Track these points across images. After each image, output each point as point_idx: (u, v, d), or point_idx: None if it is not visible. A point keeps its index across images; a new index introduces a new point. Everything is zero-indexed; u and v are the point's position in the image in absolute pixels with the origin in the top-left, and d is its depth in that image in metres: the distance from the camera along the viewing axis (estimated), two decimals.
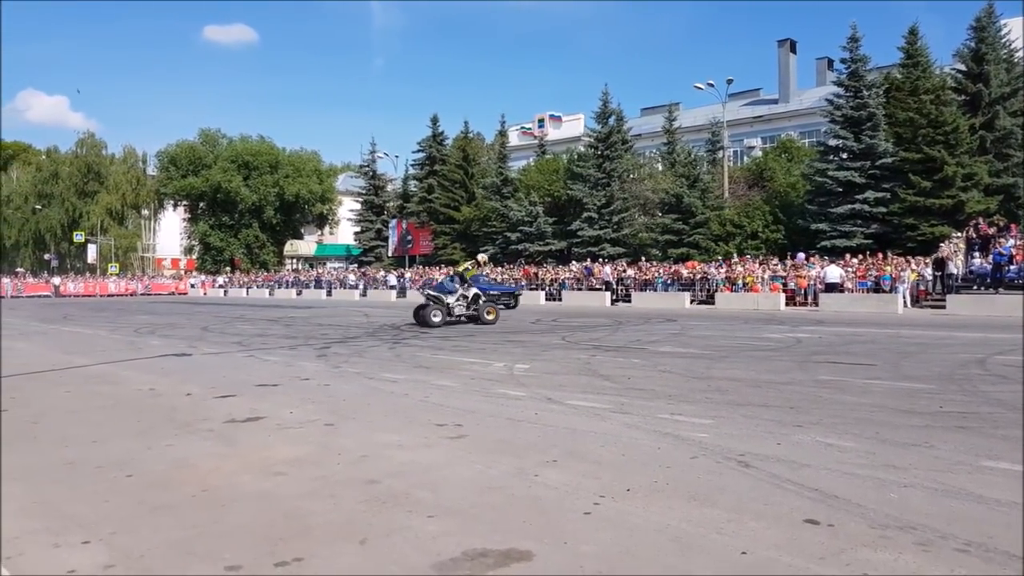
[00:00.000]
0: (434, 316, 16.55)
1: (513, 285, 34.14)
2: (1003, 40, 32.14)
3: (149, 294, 54.51)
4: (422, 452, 4.91)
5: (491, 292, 25.00)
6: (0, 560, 3.22)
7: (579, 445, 5.04)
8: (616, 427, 5.62)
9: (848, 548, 3.05)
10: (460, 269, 18.67)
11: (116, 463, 4.68)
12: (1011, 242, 24.37)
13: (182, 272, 69.97)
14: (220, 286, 56.10)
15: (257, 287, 53.13)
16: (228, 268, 64.00)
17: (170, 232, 74.74)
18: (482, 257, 21.35)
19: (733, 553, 3.04)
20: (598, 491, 3.93)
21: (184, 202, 67.97)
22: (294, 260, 71.45)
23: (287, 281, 52.82)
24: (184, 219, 70.55)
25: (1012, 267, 22.55)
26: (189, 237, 69.19)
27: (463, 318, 17.38)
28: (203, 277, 60.89)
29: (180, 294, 55.32)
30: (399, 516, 3.59)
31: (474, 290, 17.84)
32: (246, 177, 64.45)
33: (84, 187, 68.88)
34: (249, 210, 64.86)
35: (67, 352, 12.08)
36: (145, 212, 74.41)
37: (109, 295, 52.97)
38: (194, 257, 69.78)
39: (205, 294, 54.32)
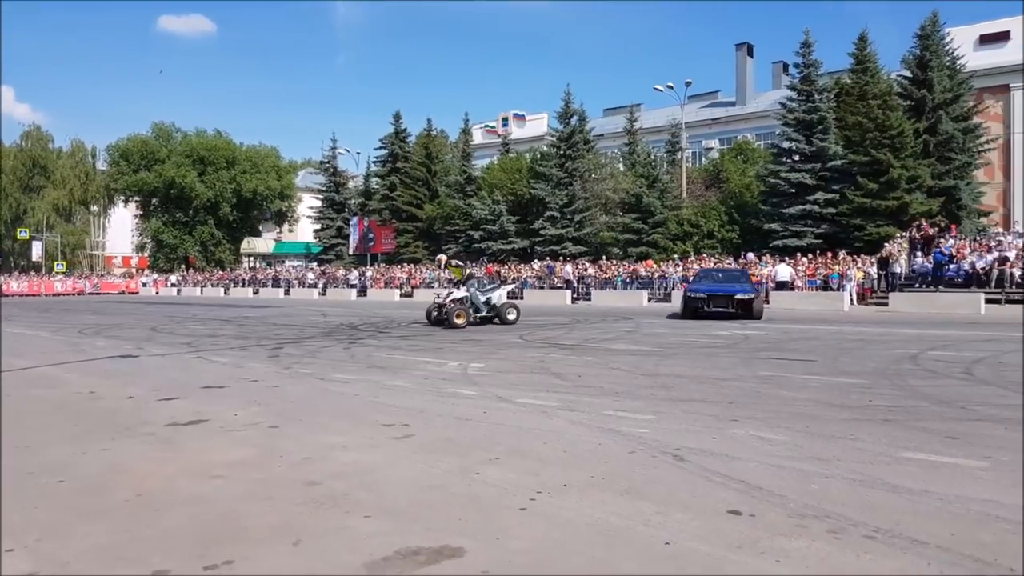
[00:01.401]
0: (457, 317, 15.93)
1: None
2: (946, 48, 33.21)
3: (98, 293, 53.12)
4: (366, 453, 4.94)
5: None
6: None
7: (523, 443, 5.13)
8: (562, 424, 5.73)
9: (765, 537, 3.20)
10: (459, 276, 18.11)
11: (49, 469, 4.60)
12: (951, 242, 25.30)
13: (133, 271, 68.37)
14: (173, 285, 55.00)
15: (212, 286, 52.25)
16: (182, 266, 62.76)
17: (121, 229, 72.95)
18: (444, 258, 20.92)
19: (657, 544, 3.16)
20: (536, 487, 4.02)
21: (136, 198, 66.31)
22: (251, 258, 70.26)
23: (243, 280, 52.06)
24: (136, 216, 68.95)
25: (952, 266, 23.38)
26: (141, 234, 67.50)
27: (486, 320, 17.09)
28: (155, 276, 59.52)
29: (131, 293, 54.05)
30: (336, 517, 3.63)
31: (495, 292, 17.69)
32: (201, 173, 63.12)
33: (29, 182, 66.99)
34: (204, 207, 63.54)
35: (6, 354, 11.79)
36: (94, 208, 72.56)
37: (55, 294, 51.52)
38: (146, 255, 68.12)
39: (157, 293, 53.15)
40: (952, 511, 3.51)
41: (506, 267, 38.27)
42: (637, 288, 30.14)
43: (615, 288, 31.28)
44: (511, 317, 17.19)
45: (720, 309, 17.92)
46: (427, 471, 4.45)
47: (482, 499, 3.88)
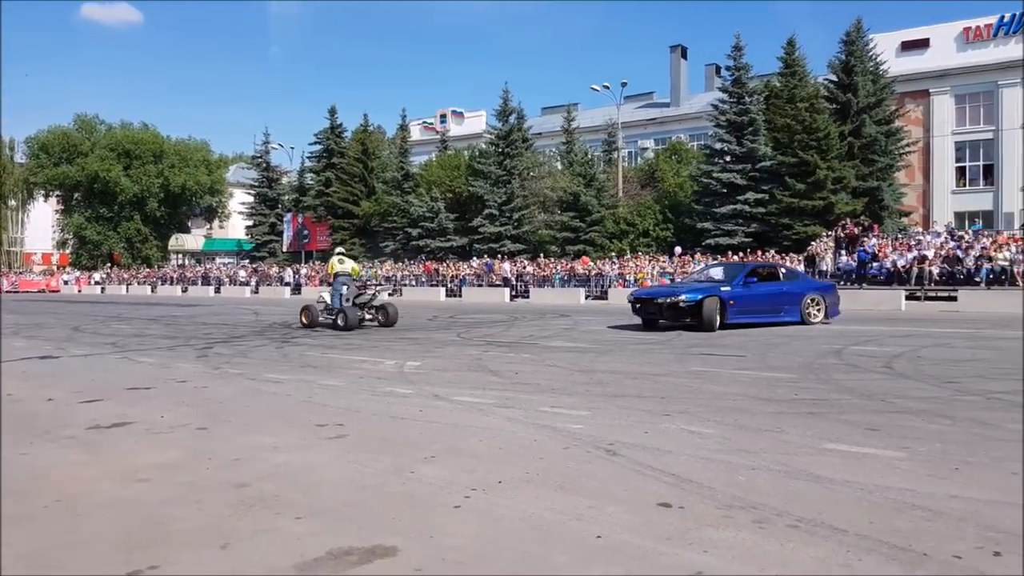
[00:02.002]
0: (352, 315, 15.10)
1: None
2: (870, 53, 34.53)
3: (16, 292, 50.67)
4: (298, 453, 4.86)
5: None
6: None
7: (459, 441, 5.12)
8: (498, 421, 5.74)
9: (694, 528, 3.27)
10: (353, 270, 17.68)
11: None
12: (874, 241, 26.36)
13: (54, 268, 65.53)
14: (97, 283, 53.05)
15: (138, 284, 50.59)
16: (106, 264, 60.48)
17: (41, 225, 69.76)
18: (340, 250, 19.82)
19: (589, 538, 3.20)
20: (471, 484, 4.02)
21: (57, 192, 63.62)
22: (180, 255, 68.08)
23: (172, 278, 50.57)
24: (57, 211, 66.11)
25: (874, 264, 24.38)
26: (62, 230, 64.68)
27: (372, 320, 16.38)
28: (78, 273, 57.24)
29: (52, 292, 51.81)
30: (266, 518, 3.56)
31: (371, 291, 17.15)
32: (127, 167, 60.90)
33: None
34: (130, 202, 61.33)
35: None
36: (12, 203, 69.17)
37: None
38: (68, 252, 65.41)
39: (80, 292, 51.18)
40: (871, 500, 3.64)
41: (444, 264, 38.15)
42: (575, 286, 30.46)
43: (553, 286, 31.54)
44: (391, 317, 16.16)
45: (651, 316, 14.61)
46: (361, 471, 4.40)
47: (416, 498, 3.85)
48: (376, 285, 17.16)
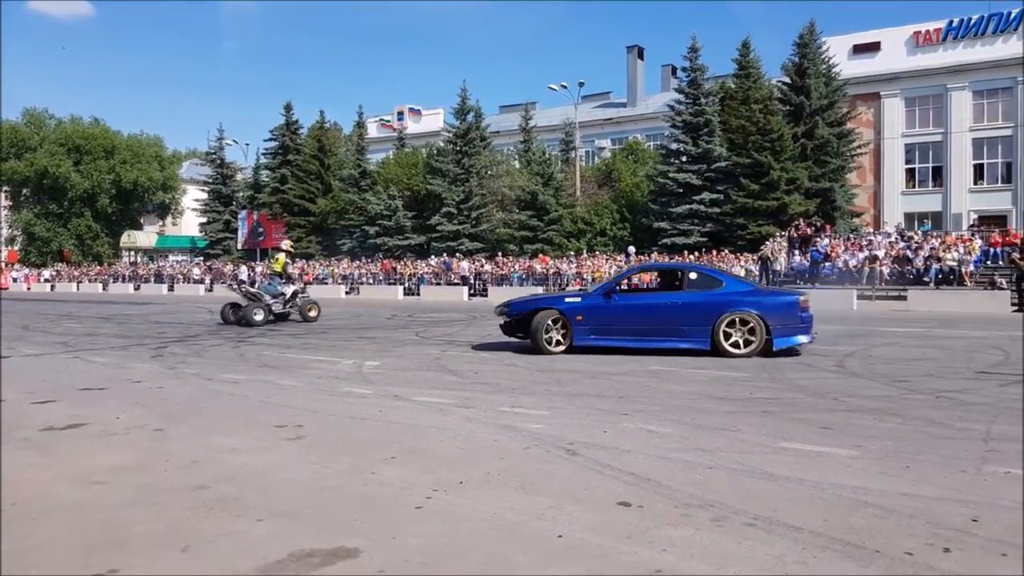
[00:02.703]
0: (256, 314, 15.79)
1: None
2: (823, 56, 35.25)
3: None
4: (258, 455, 4.83)
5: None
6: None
7: (419, 441, 5.13)
8: (458, 421, 5.77)
9: (653, 527, 3.34)
10: (275, 265, 17.89)
11: None
12: (826, 241, 26.97)
13: (2, 265, 63.60)
14: (47, 281, 51.62)
15: (89, 281, 49.35)
16: (56, 261, 58.87)
17: None
18: (287, 244, 19.81)
19: (550, 537, 3.25)
20: (432, 485, 4.04)
21: (4, 188, 61.76)
22: (132, 252, 66.55)
23: (124, 275, 49.43)
24: (5, 207, 64.20)
25: (827, 264, 24.94)
26: (10, 227, 62.94)
27: (282, 316, 16.96)
28: (27, 271, 55.66)
29: (0, 289, 50.31)
30: (226, 521, 3.54)
31: (293, 287, 17.31)
32: (77, 162, 59.36)
33: None
34: (80, 198, 59.79)
35: None
36: None
37: None
38: (16, 249, 63.60)
39: (29, 289, 49.74)
40: (825, 498, 3.75)
41: (402, 263, 37.96)
42: (533, 284, 30.56)
43: (511, 284, 31.58)
44: (312, 314, 17.07)
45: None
46: (321, 472, 4.39)
47: (377, 499, 3.86)
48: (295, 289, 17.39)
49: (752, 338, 9.64)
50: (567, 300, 10.77)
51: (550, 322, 10.42)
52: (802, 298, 9.97)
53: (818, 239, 27.24)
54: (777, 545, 3.12)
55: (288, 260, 18.28)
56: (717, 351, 9.65)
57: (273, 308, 16.51)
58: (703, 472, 4.22)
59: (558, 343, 10.40)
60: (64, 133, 60.91)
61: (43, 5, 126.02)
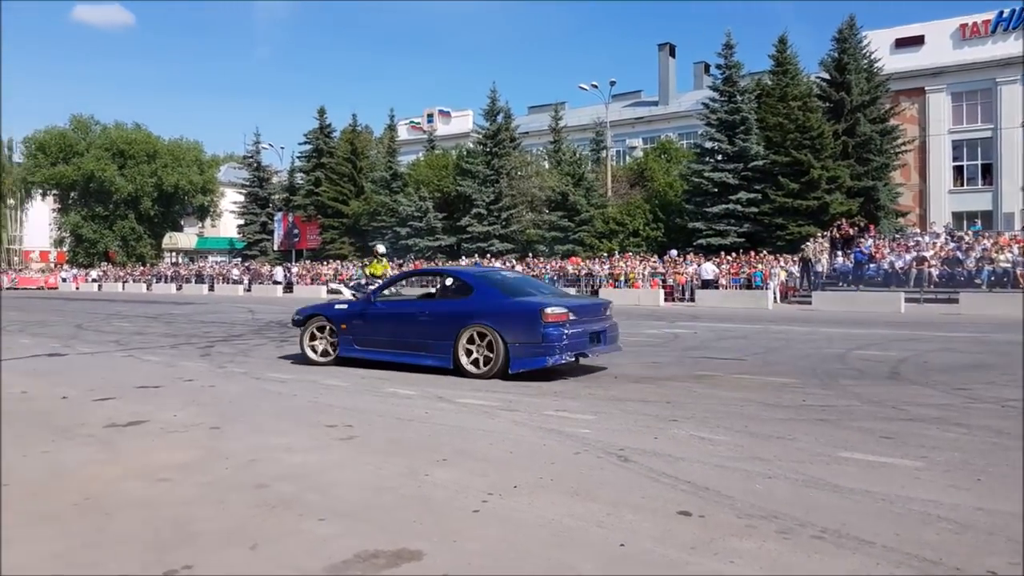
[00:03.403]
0: None
1: None
2: (864, 51, 34.57)
3: (16, 289, 50.46)
4: (312, 454, 4.90)
5: None
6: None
7: (468, 443, 5.16)
8: (504, 424, 5.78)
9: (717, 538, 3.30)
10: (376, 268, 17.71)
11: None
12: (870, 242, 26.43)
13: (52, 266, 65.42)
14: (94, 280, 52.93)
15: (134, 281, 50.45)
16: (102, 262, 60.36)
17: (38, 223, 69.98)
18: (382, 248, 20.18)
19: (612, 545, 3.24)
20: (486, 489, 4.06)
21: (54, 191, 63.66)
22: (173, 253, 68.06)
23: (166, 276, 50.40)
24: (54, 209, 66.13)
25: (871, 266, 24.41)
26: (59, 229, 64.83)
27: None
28: (75, 271, 57.18)
29: (50, 289, 51.64)
30: (290, 520, 3.59)
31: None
32: (121, 166, 60.95)
33: None
34: (125, 201, 61.36)
35: None
36: (11, 202, 69.19)
37: None
38: (65, 250, 65.47)
39: (78, 289, 51.03)
40: (894, 511, 3.65)
41: (433, 264, 38.10)
42: (564, 286, 30.41)
43: None
44: None
45: None
46: (376, 473, 4.44)
47: (434, 501, 3.89)
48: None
49: (490, 355, 8.16)
50: (336, 307, 9.92)
51: (315, 330, 9.65)
52: (552, 310, 8.01)
53: (861, 240, 26.71)
54: (849, 560, 3.05)
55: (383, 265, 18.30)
56: (458, 371, 8.33)
57: None
58: (763, 482, 4.15)
59: (325, 352, 9.57)
60: (109, 138, 62.53)
61: (86, 14, 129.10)
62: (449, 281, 9.48)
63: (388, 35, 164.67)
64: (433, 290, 10.69)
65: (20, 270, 60.85)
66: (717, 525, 3.46)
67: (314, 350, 9.64)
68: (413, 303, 9.63)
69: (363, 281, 16.76)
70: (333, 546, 3.24)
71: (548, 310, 7.99)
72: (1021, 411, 5.90)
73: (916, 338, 12.79)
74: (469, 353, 8.33)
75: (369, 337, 9.23)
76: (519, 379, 8.03)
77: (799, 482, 4.15)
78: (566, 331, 7.98)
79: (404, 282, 8.42)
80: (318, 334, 9.65)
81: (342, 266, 42.38)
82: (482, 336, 8.24)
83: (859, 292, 23.11)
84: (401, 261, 40.75)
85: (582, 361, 8.86)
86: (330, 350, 9.55)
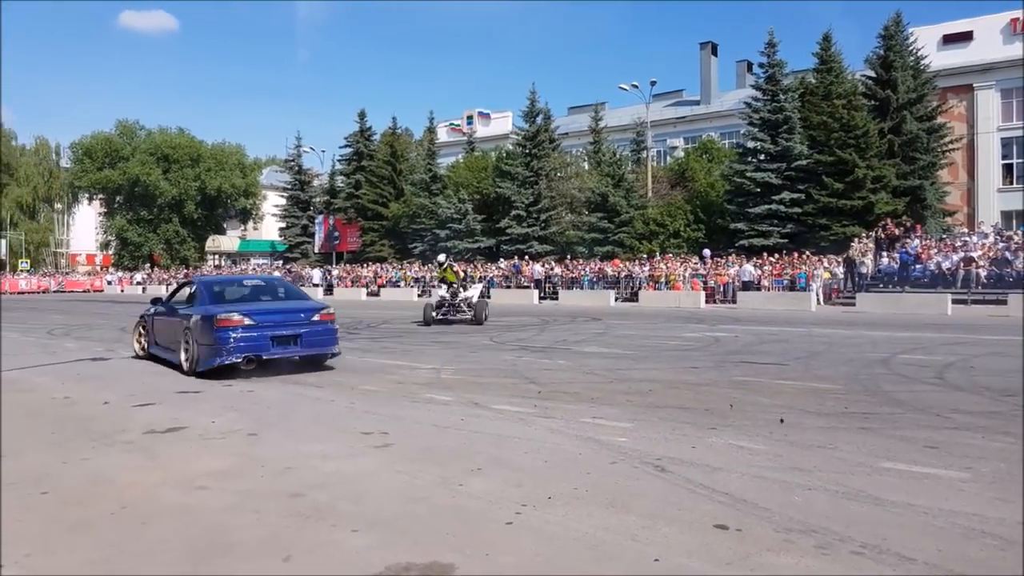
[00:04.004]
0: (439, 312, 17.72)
1: None
2: (910, 48, 33.78)
3: (63, 291, 52.04)
4: (347, 462, 4.92)
5: None
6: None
7: (503, 452, 5.13)
8: (540, 432, 5.74)
9: (754, 553, 3.23)
10: (450, 278, 18.54)
11: (31, 478, 4.55)
12: (916, 242, 25.75)
13: (98, 268, 67.23)
14: (138, 283, 54.10)
15: (178, 284, 51.41)
16: (147, 265, 61.79)
17: (85, 227, 71.96)
18: (441, 257, 21.38)
19: (647, 560, 3.18)
20: (520, 500, 4.03)
21: (100, 196, 65.48)
22: (216, 256, 69.37)
23: None
24: (100, 213, 68.03)
25: (917, 266, 23.78)
26: (105, 232, 66.63)
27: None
28: (120, 274, 58.61)
29: (96, 291, 53.06)
30: (323, 530, 3.61)
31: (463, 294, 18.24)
32: (165, 170, 62.39)
33: None
34: (169, 204, 62.80)
35: None
36: (58, 206, 71.46)
37: (20, 293, 50.30)
38: (110, 253, 67.21)
39: (123, 291, 52.23)
40: (937, 526, 3.54)
41: (472, 266, 38.14)
42: (604, 288, 30.27)
43: (582, 288, 31.37)
44: (485, 315, 17.81)
45: None
46: (410, 482, 4.44)
47: (467, 512, 3.87)
48: (467, 283, 18.66)
49: (191, 355, 9.26)
50: (151, 308, 11.24)
51: (141, 328, 11.15)
52: (224, 316, 8.90)
53: (907, 240, 26.02)
54: None
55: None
56: (180, 368, 9.50)
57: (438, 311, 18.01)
58: (802, 494, 4.06)
59: (143, 348, 11.06)
60: (153, 143, 64.03)
61: (132, 20, 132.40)
62: (188, 291, 10.65)
63: (427, 37, 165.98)
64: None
65: (67, 273, 62.60)
66: (754, 539, 3.39)
67: (138, 344, 11.23)
68: (172, 309, 10.46)
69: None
70: (366, 558, 3.24)
71: (220, 316, 8.90)
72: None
73: (963, 341, 12.42)
74: (186, 351, 9.40)
75: (154, 338, 10.78)
76: (552, 385, 7.98)
77: (839, 494, 4.05)
78: (235, 335, 8.83)
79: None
80: (142, 332, 11.15)
81: (382, 268, 42.72)
82: (187, 339, 9.35)
83: (904, 294, 22.51)
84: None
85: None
86: (145, 346, 11.06)
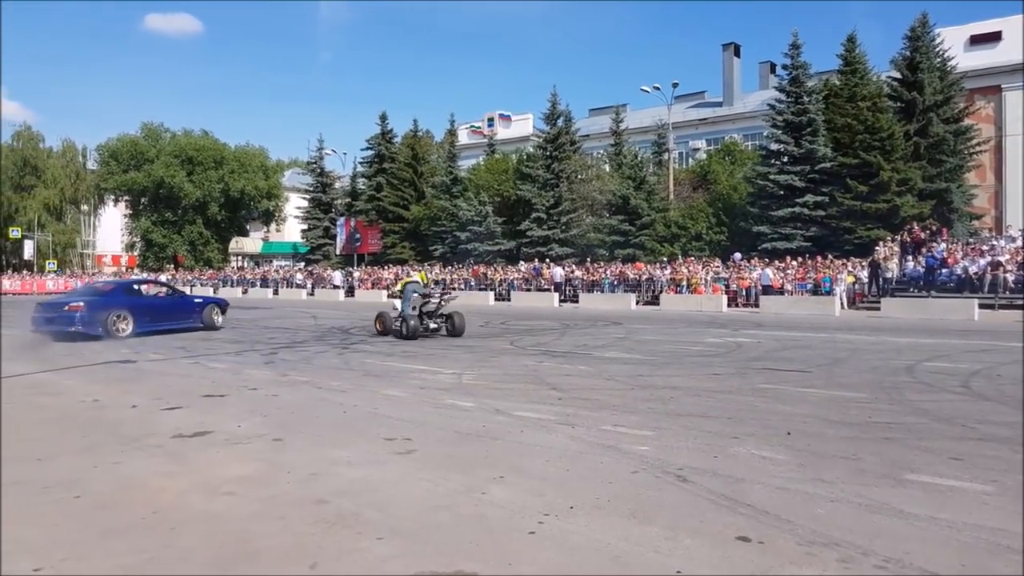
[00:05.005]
0: (419, 323, 15.16)
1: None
2: (936, 49, 33.35)
3: None
4: (371, 469, 4.97)
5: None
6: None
7: (525, 460, 5.16)
8: (562, 440, 5.75)
9: (776, 566, 3.23)
10: (421, 276, 17.35)
11: (63, 483, 4.64)
12: (943, 246, 25.39)
13: (123, 269, 68.15)
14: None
15: (201, 285, 51.95)
16: (171, 266, 62.56)
17: (111, 228, 72.90)
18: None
19: (669, 572, 3.20)
20: (543, 509, 4.06)
21: (125, 197, 66.35)
22: (239, 258, 70.20)
23: (232, 280, 51.89)
24: (125, 215, 68.92)
25: (944, 271, 23.46)
26: (130, 233, 67.56)
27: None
28: (145, 275, 59.33)
29: None
30: (348, 538, 3.66)
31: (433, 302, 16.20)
32: (190, 172, 63.10)
33: (20, 181, 66.72)
34: (193, 206, 63.51)
35: (5, 358, 11.72)
36: (84, 207, 72.47)
37: (47, 293, 51.13)
38: (135, 254, 68.13)
39: None
40: (961, 540, 3.52)
41: (493, 268, 38.20)
42: (625, 291, 30.14)
43: (602, 291, 31.27)
44: (458, 326, 15.67)
45: None
46: (433, 490, 4.48)
47: (490, 521, 3.91)
48: (443, 293, 16.78)
49: None
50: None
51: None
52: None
53: (934, 244, 25.66)
54: None
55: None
56: None
57: (426, 321, 15.74)
58: (825, 506, 4.05)
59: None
60: (178, 145, 64.78)
61: (156, 23, 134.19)
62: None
63: (448, 39, 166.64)
64: None
65: (93, 274, 63.50)
66: (776, 552, 3.39)
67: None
68: None
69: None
70: (389, 566, 3.29)
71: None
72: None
73: (990, 348, 12.25)
74: None
75: None
76: (573, 391, 8.02)
77: (862, 507, 4.03)
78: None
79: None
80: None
81: (402, 270, 42.93)
82: None
83: (930, 298, 22.21)
84: (461, 265, 41.07)
85: None
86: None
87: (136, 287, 18.92)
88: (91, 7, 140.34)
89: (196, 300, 18.91)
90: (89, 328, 14.82)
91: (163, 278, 55.96)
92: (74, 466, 5.07)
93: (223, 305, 19.15)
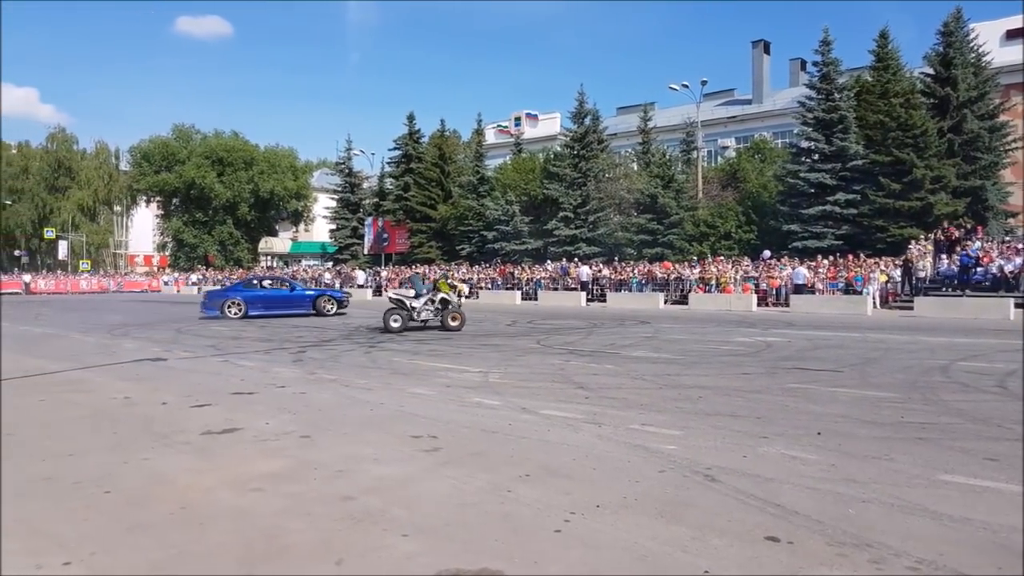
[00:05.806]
0: (393, 322, 16.21)
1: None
2: (971, 44, 32.71)
3: (121, 292, 53.84)
4: (398, 466, 4.98)
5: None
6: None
7: (552, 458, 5.14)
8: (588, 439, 5.73)
9: (806, 566, 3.18)
10: (438, 279, 18.10)
11: (93, 478, 4.71)
12: (977, 244, 24.92)
13: (155, 269, 69.35)
14: (194, 284, 55.54)
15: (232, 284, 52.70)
16: (202, 266, 63.47)
17: (143, 229, 74.41)
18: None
19: (696, 572, 3.16)
20: (569, 508, 4.03)
21: (157, 198, 67.67)
22: (269, 257, 71.02)
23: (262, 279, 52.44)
24: (157, 215, 70.23)
25: (979, 269, 23.02)
26: (162, 234, 68.87)
27: (427, 323, 16.76)
28: (176, 275, 60.33)
29: (153, 292, 54.70)
30: (375, 535, 3.67)
31: (442, 295, 16.79)
32: (220, 173, 64.07)
33: (55, 182, 68.28)
34: (223, 207, 64.47)
35: (39, 356, 11.96)
36: (117, 208, 73.96)
37: (81, 293, 52.27)
38: (167, 254, 69.34)
39: (179, 292, 53.72)
40: (996, 541, 3.44)
41: (520, 268, 38.18)
42: (652, 290, 29.95)
43: (630, 290, 31.11)
44: (454, 324, 16.33)
45: None
46: (459, 488, 4.47)
47: (516, 519, 3.89)
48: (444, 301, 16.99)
49: None
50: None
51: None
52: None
53: (968, 242, 25.18)
54: None
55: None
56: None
57: (420, 313, 16.66)
58: (856, 506, 3.98)
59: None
60: (208, 147, 65.81)
61: (187, 26, 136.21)
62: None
63: (476, 38, 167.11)
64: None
65: (126, 274, 64.67)
66: (806, 553, 3.34)
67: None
68: None
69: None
70: (416, 564, 3.29)
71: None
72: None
73: None
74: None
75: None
76: (600, 391, 7.97)
77: (895, 507, 3.96)
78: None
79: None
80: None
81: (429, 270, 43.10)
82: None
83: (964, 298, 21.79)
84: (488, 264, 41.15)
85: None
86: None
87: (255, 282, 24.43)
88: (123, 11, 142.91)
89: (308, 292, 23.91)
90: (210, 311, 21.16)
91: (194, 278, 56.98)
92: (105, 462, 5.14)
93: (339, 298, 23.40)
